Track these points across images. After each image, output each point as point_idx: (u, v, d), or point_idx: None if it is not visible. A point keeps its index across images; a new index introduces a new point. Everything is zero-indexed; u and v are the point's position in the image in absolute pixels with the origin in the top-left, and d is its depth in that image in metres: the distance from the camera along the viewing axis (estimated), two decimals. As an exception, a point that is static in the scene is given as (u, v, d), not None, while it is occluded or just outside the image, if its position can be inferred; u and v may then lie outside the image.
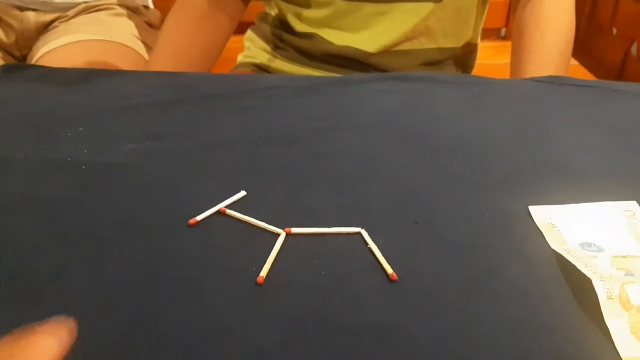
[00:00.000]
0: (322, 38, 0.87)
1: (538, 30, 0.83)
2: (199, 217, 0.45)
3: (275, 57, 0.93)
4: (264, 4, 0.95)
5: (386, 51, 0.86)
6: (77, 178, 0.50)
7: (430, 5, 0.84)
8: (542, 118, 0.62)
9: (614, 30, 1.50)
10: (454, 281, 0.39)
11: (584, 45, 1.64)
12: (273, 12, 0.95)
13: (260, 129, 0.59)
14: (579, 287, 0.38)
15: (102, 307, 0.36)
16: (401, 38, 0.85)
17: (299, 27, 0.88)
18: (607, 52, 1.51)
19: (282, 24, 0.92)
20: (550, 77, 0.72)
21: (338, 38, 0.86)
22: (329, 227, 0.44)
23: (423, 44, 0.88)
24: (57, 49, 1.00)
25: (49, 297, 0.37)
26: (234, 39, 0.96)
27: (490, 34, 1.49)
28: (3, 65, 0.75)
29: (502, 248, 0.42)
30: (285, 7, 0.90)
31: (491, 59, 1.03)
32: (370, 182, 0.50)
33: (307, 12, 0.87)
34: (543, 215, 0.45)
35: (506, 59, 0.89)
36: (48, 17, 1.07)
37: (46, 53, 1.00)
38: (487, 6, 0.92)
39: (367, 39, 0.86)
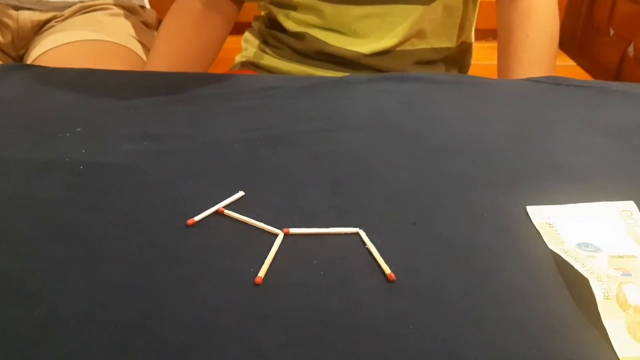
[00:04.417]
0: (314, 38, 0.87)
1: (522, 30, 0.82)
2: (197, 218, 0.45)
3: (270, 54, 0.93)
4: (257, 5, 0.95)
5: (379, 53, 0.86)
6: (75, 178, 0.50)
7: (420, 8, 0.83)
8: (540, 118, 0.62)
9: (611, 31, 1.50)
10: (451, 281, 0.39)
11: (581, 46, 1.65)
12: (264, 12, 0.95)
13: (259, 129, 0.59)
14: (577, 287, 0.38)
15: (100, 307, 0.36)
16: (394, 41, 0.85)
17: (290, 26, 0.89)
18: (604, 52, 1.51)
19: (274, 24, 0.92)
20: (548, 77, 0.73)
21: (330, 39, 0.86)
22: (327, 227, 0.44)
23: (416, 44, 0.88)
24: (54, 49, 1.00)
25: (48, 297, 0.37)
26: (232, 39, 0.96)
27: (487, 34, 1.49)
28: (1, 65, 0.75)
29: (500, 248, 0.42)
30: (275, 9, 0.90)
31: (488, 60, 1.03)
32: (368, 183, 0.50)
33: (295, 14, 0.87)
34: (541, 215, 0.45)
35: (503, 60, 0.88)
36: (44, 16, 1.07)
37: (43, 53, 0.99)
38: (478, 3, 0.92)
39: (359, 42, 0.86)
